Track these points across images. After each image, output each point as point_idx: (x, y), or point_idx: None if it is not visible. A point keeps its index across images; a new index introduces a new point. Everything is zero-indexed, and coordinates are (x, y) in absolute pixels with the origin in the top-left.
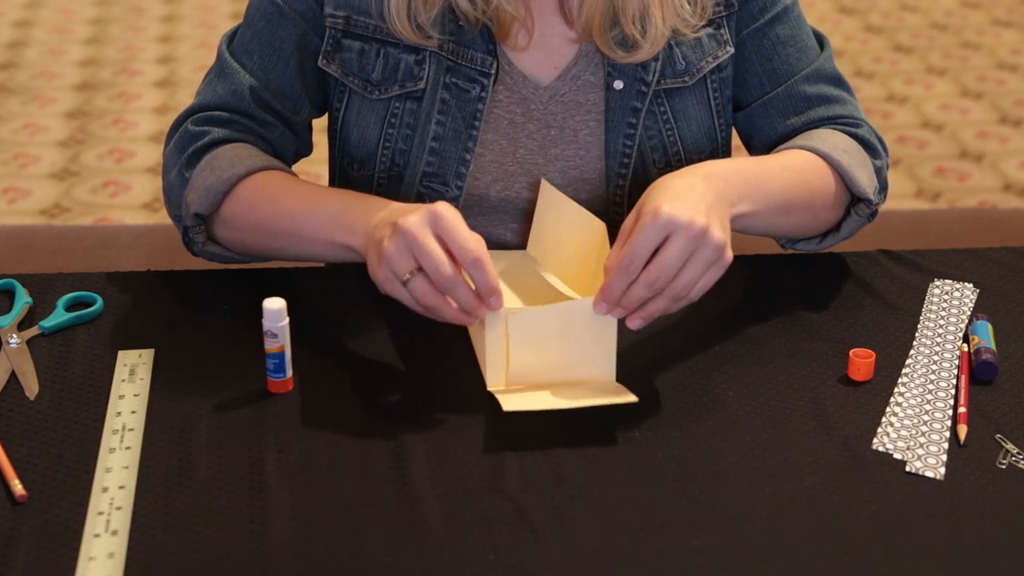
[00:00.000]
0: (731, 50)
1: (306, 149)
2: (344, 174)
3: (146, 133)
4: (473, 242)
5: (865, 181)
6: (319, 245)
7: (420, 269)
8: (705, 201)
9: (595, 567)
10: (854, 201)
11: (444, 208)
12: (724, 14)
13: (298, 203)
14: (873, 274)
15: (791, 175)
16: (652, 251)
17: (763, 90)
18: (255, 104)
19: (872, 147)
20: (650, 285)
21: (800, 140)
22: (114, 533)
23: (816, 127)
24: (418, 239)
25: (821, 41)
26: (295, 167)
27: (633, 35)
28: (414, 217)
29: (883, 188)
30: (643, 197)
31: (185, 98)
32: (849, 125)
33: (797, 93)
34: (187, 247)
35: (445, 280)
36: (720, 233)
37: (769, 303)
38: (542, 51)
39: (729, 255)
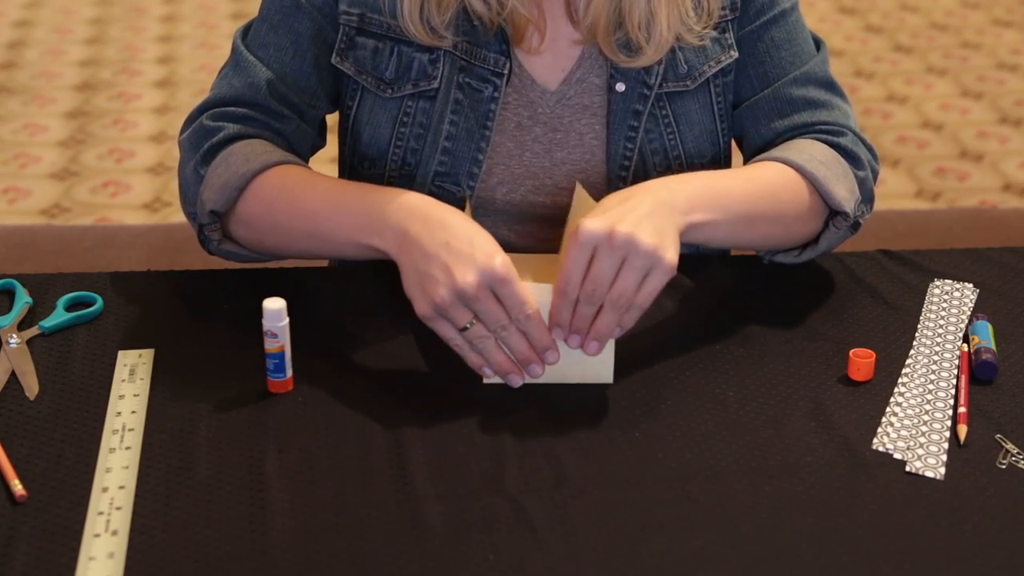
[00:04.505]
0: (735, 55)
1: (321, 142)
2: (354, 172)
3: (146, 133)
4: (530, 301)
5: (843, 193)
6: (344, 246)
7: (476, 319)
8: (634, 212)
9: (595, 567)
10: (832, 214)
11: (503, 268)
12: (729, 18)
13: (318, 203)
14: (873, 274)
15: (754, 186)
16: (584, 269)
17: (753, 91)
18: (271, 97)
19: (854, 157)
20: (589, 299)
21: (775, 152)
22: (114, 533)
23: (800, 131)
24: (479, 301)
25: (818, 44)
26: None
27: (638, 40)
28: (471, 278)
29: (868, 199)
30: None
31: (185, 98)
32: (832, 133)
33: (783, 96)
34: (203, 245)
35: (502, 330)
36: (648, 239)
37: (769, 303)
38: (551, 54)
39: (668, 258)
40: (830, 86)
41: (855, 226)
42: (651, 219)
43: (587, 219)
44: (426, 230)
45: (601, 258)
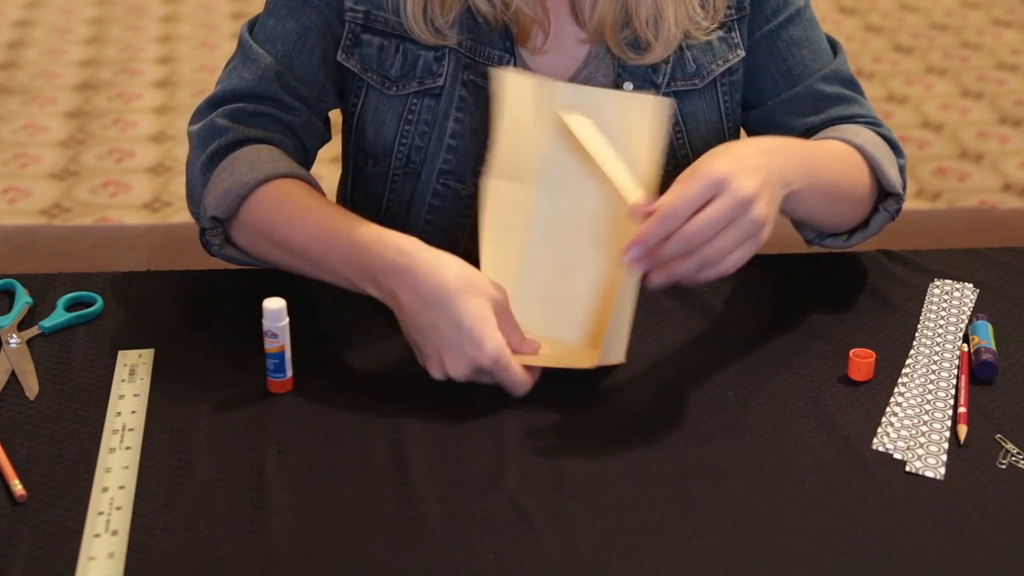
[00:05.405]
0: (742, 54)
1: (328, 135)
2: (358, 170)
3: (146, 133)
4: (520, 383)
5: (894, 176)
6: (339, 279)
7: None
8: (760, 174)
9: (595, 567)
10: (882, 197)
11: (491, 361)
12: (735, 17)
13: (311, 240)
14: (873, 274)
15: (836, 162)
16: (697, 206)
17: (778, 89)
18: (282, 89)
19: (895, 146)
20: (686, 241)
21: (833, 132)
22: (114, 533)
23: (836, 124)
24: (472, 379)
25: (835, 45)
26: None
27: (646, 37)
28: (462, 370)
29: (904, 186)
30: (700, 159)
31: (185, 98)
32: (870, 124)
33: (816, 92)
34: (204, 248)
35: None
36: (764, 209)
37: (769, 303)
38: (556, 53)
39: (766, 233)
40: (854, 85)
41: (898, 211)
42: (770, 189)
43: (721, 164)
44: (415, 301)
45: (718, 205)
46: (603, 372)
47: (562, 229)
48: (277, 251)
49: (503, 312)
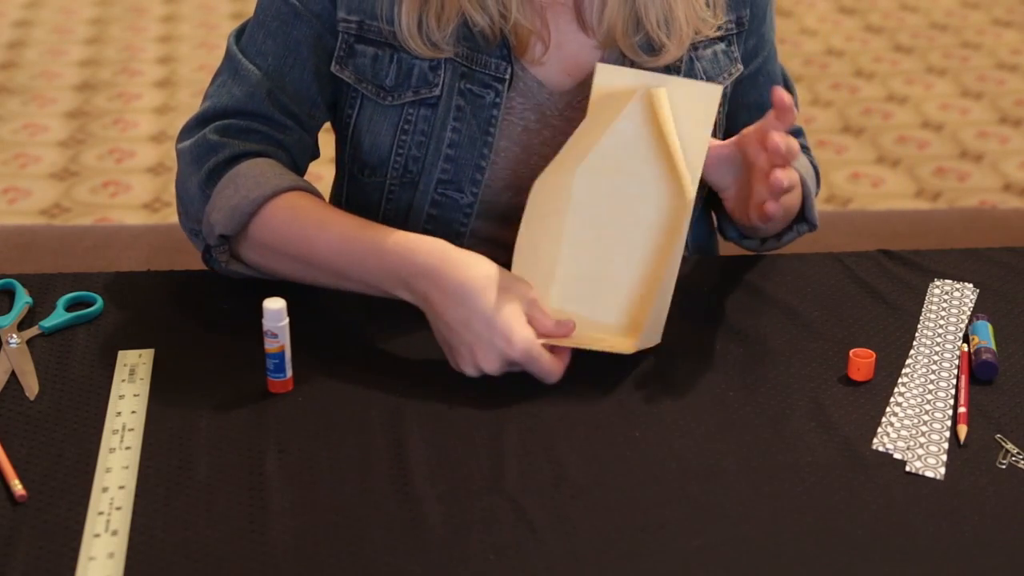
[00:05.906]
0: (741, 68)
1: (318, 152)
2: (354, 180)
3: (146, 133)
4: (550, 372)
5: (816, 209)
6: (366, 288)
7: None
8: None
9: (595, 567)
10: (798, 219)
11: (522, 354)
12: (735, 32)
13: (332, 253)
14: (873, 274)
15: None
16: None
17: (751, 120)
18: (273, 107)
19: (819, 175)
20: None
21: None
22: (114, 533)
23: None
24: (505, 372)
25: (787, 78)
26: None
27: (659, 38)
28: (495, 365)
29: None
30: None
31: (185, 98)
32: (806, 150)
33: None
34: (207, 264)
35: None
36: None
37: (769, 303)
38: (556, 62)
39: None
40: None
41: (805, 233)
42: None
43: None
44: (446, 301)
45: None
46: (609, 366)
47: (603, 211)
48: (295, 265)
49: (531, 305)
